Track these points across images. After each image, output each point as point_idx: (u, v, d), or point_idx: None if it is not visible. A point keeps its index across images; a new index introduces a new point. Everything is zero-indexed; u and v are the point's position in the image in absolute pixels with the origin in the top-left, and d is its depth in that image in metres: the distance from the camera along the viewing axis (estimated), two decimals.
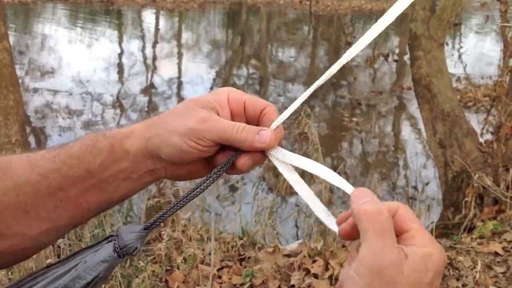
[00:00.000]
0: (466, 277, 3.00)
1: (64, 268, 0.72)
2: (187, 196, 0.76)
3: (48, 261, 2.67)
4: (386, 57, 6.39)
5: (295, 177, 0.74)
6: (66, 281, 0.70)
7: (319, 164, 0.72)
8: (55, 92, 8.69)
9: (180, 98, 8.89)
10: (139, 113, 8.04)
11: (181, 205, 0.76)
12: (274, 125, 0.73)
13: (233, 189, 5.54)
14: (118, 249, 0.71)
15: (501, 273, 3.11)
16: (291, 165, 0.73)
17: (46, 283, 0.70)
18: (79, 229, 3.03)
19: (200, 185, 0.76)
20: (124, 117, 7.90)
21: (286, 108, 0.73)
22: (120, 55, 11.72)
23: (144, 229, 0.73)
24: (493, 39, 12.55)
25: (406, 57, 8.95)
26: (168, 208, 0.75)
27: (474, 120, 6.40)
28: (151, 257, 3.16)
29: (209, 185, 0.76)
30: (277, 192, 4.64)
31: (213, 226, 3.70)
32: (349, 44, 11.12)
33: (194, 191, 0.75)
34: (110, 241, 0.73)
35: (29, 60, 10.74)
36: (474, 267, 3.07)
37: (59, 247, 2.98)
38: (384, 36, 15.63)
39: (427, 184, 5.04)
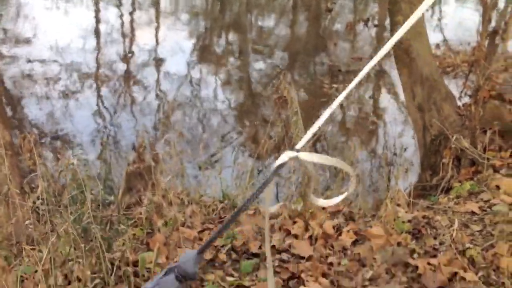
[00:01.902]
0: (443, 235, 3.05)
1: None
2: (233, 217, 0.79)
3: (27, 222, 2.65)
4: (366, 22, 6.37)
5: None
6: None
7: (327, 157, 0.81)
8: (32, 60, 8.52)
9: (159, 66, 8.79)
10: (117, 81, 7.93)
11: (228, 226, 0.80)
12: (299, 145, 0.77)
13: (213, 154, 5.54)
14: (180, 277, 0.80)
15: (478, 231, 3.17)
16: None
17: None
18: (58, 194, 3.01)
19: (243, 205, 0.78)
20: (102, 85, 7.80)
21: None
22: (97, 23, 11.51)
23: (198, 253, 0.82)
24: (472, 7, 12.56)
25: (386, 23, 8.94)
26: (217, 231, 0.81)
27: (453, 85, 6.44)
28: (132, 221, 3.15)
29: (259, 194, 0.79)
30: (257, 157, 4.64)
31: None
32: (329, 11, 11.05)
33: (238, 211, 0.79)
34: (171, 272, 0.82)
35: (3, 28, 10.49)
36: (451, 226, 3.12)
37: (37, 212, 2.95)
38: (364, 1, 15.56)
39: (405, 149, 5.09)
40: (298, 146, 0.79)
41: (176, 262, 0.84)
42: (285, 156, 0.79)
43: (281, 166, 0.80)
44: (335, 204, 0.88)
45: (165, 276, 0.84)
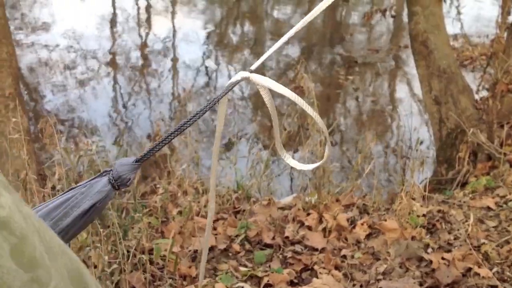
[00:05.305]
0: (458, 230, 3.04)
1: (63, 198, 0.74)
2: (178, 128, 0.78)
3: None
4: (383, 12, 6.32)
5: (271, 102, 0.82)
6: (65, 210, 0.73)
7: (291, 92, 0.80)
8: (48, 47, 8.57)
9: (175, 54, 8.80)
10: (132, 69, 7.96)
11: (171, 137, 0.78)
12: (254, 66, 0.75)
13: (228, 144, 5.55)
14: (113, 180, 0.75)
15: (493, 227, 3.15)
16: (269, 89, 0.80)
17: (47, 210, 0.73)
18: (75, 181, 3.04)
19: (192, 117, 0.77)
20: (118, 73, 7.83)
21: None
22: (114, 10, 11.54)
23: (136, 162, 0.77)
24: None
25: (404, 13, 8.85)
26: (160, 141, 0.78)
27: (471, 78, 6.37)
28: (147, 209, 3.18)
29: (201, 116, 0.77)
30: (272, 149, 4.65)
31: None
32: (346, 1, 10.96)
33: (184, 124, 0.77)
34: (105, 174, 0.76)
35: (21, 14, 10.56)
36: (466, 221, 3.11)
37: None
38: None
39: (421, 143, 5.05)
40: (253, 67, 0.80)
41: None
42: (238, 75, 0.81)
43: (233, 84, 0.80)
44: (309, 169, 0.85)
45: (98, 177, 0.79)
